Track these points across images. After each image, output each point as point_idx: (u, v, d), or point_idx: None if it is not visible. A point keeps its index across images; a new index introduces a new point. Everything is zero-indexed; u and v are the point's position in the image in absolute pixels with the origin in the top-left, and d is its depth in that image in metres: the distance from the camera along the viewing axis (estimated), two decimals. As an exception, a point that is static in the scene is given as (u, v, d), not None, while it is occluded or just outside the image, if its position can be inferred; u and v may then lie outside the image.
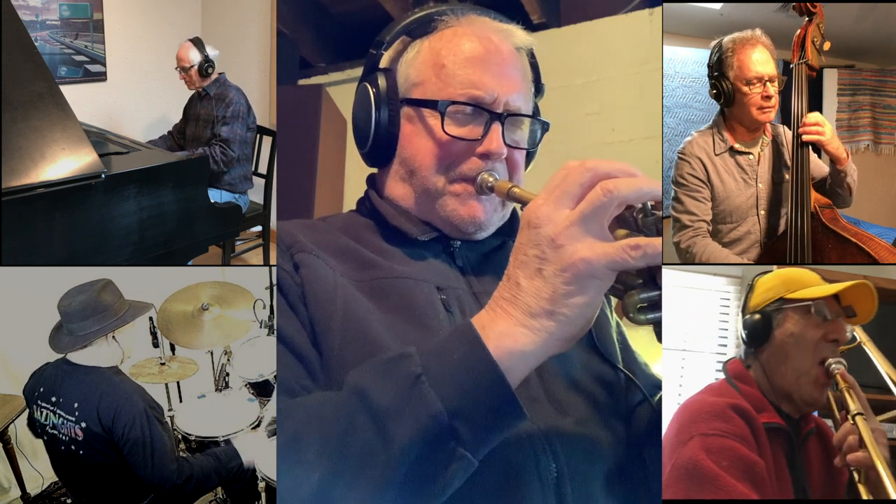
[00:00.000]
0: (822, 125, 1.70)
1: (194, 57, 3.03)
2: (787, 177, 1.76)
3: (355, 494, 0.60)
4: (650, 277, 0.60)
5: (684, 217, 1.81)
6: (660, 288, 0.60)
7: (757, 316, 1.30)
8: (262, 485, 1.80)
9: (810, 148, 1.70)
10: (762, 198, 1.79)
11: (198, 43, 3.04)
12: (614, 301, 0.99)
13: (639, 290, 0.60)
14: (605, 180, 0.58)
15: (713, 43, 1.80)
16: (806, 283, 1.30)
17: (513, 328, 0.59)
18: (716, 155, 1.79)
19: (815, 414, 1.35)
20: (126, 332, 1.76)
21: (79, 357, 1.71)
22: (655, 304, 0.60)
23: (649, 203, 0.59)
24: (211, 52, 3.07)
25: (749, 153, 1.80)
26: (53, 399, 1.68)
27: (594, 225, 0.58)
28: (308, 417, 0.65)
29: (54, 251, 2.09)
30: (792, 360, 1.26)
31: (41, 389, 1.72)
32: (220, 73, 3.13)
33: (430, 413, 0.58)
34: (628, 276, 0.60)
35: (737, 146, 1.79)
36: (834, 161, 1.73)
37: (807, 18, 1.74)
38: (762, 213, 1.79)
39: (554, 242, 0.58)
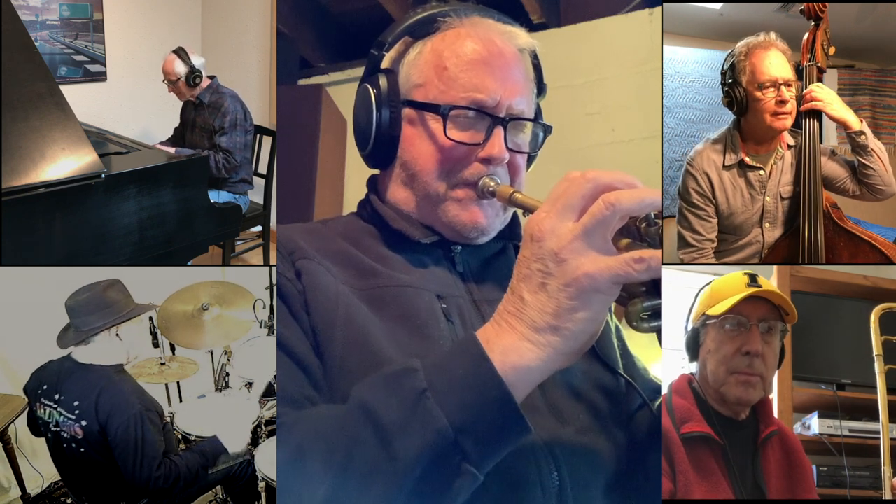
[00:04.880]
0: (817, 89, 1.66)
1: (180, 69, 3.01)
2: (798, 190, 1.71)
3: None
4: (653, 285, 0.60)
5: (689, 236, 1.78)
6: (661, 296, 0.60)
7: (689, 333, 1.39)
8: (261, 485, 1.80)
9: (818, 122, 1.67)
10: (768, 210, 1.74)
11: (181, 54, 3.01)
12: (613, 304, 0.99)
13: (642, 299, 0.60)
14: (607, 193, 0.58)
15: (728, 51, 1.75)
16: (726, 294, 1.33)
17: (518, 343, 0.59)
18: (724, 168, 1.74)
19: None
20: (131, 330, 1.77)
21: (82, 354, 1.72)
22: (658, 313, 0.60)
23: (652, 213, 0.59)
24: (196, 60, 3.04)
25: (760, 168, 1.73)
26: (56, 397, 1.69)
27: (597, 238, 0.57)
28: (312, 431, 0.65)
29: (54, 251, 2.09)
30: (711, 373, 1.33)
31: (44, 387, 1.72)
32: (211, 78, 3.11)
33: (435, 429, 0.58)
34: (632, 285, 0.60)
35: (748, 160, 1.73)
36: (844, 126, 1.67)
37: (813, 23, 1.72)
38: (767, 226, 1.75)
39: (557, 256, 0.58)
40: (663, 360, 1.74)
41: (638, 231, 0.60)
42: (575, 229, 0.58)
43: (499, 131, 0.84)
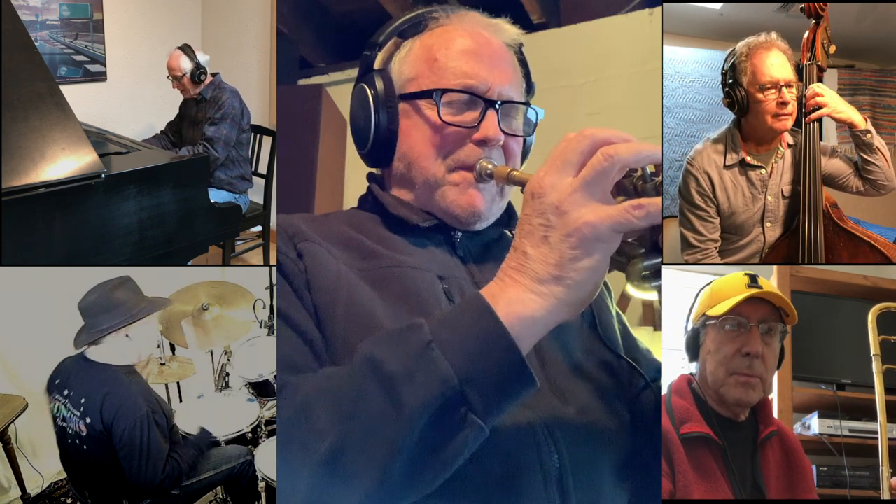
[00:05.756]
0: (822, 94, 1.66)
1: (185, 65, 3.02)
2: (799, 189, 1.71)
3: (365, 461, 0.60)
4: (652, 245, 0.61)
5: (691, 237, 1.78)
6: (661, 254, 0.61)
7: (689, 333, 1.38)
8: (262, 485, 1.81)
9: (818, 121, 1.67)
10: (770, 210, 1.74)
11: (187, 50, 3.03)
12: (615, 294, 1.00)
13: (641, 258, 0.61)
14: (606, 146, 0.59)
15: (728, 50, 1.75)
16: (727, 294, 1.32)
17: (522, 295, 0.60)
18: (725, 167, 1.74)
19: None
20: (142, 330, 1.79)
21: (94, 353, 1.74)
22: (658, 272, 0.61)
23: (648, 169, 0.60)
24: (202, 57, 3.05)
25: (761, 167, 1.73)
26: (65, 392, 1.71)
27: (597, 190, 0.58)
28: (318, 387, 0.66)
29: (54, 251, 2.09)
30: (710, 373, 1.32)
31: (57, 381, 1.75)
32: (214, 75, 3.12)
33: (440, 378, 0.58)
34: (630, 247, 0.61)
35: (749, 159, 1.73)
36: (850, 126, 1.66)
37: (814, 21, 1.72)
38: (768, 225, 1.75)
39: (558, 209, 0.59)
40: (663, 360, 1.74)
41: (634, 188, 0.61)
42: (575, 182, 0.59)
43: (492, 114, 0.86)
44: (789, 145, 1.75)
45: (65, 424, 1.71)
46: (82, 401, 1.67)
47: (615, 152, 0.58)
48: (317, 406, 0.63)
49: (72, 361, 1.78)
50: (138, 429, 1.62)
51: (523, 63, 0.95)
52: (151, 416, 1.65)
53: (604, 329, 0.87)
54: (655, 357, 0.93)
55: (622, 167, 0.59)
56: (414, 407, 0.59)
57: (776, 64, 1.67)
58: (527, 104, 0.92)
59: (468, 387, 0.58)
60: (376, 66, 0.93)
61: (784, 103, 1.66)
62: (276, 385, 2.10)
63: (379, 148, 0.90)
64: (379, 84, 0.90)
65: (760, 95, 1.67)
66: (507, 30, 0.92)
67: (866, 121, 1.67)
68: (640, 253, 0.61)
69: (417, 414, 0.59)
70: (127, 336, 1.76)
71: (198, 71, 3.03)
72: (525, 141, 0.94)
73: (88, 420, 1.65)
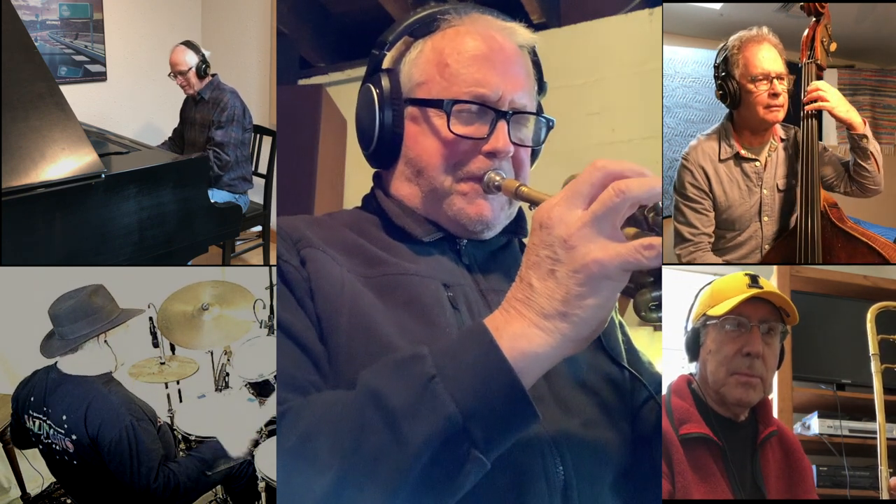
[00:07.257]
0: (825, 90, 1.66)
1: (191, 59, 3.02)
2: (794, 182, 1.72)
3: (367, 495, 0.60)
4: (659, 276, 0.61)
5: (685, 230, 1.78)
6: (661, 287, 0.61)
7: (689, 333, 1.38)
8: (262, 485, 1.80)
9: (817, 122, 1.68)
10: (766, 204, 1.75)
11: (191, 45, 3.03)
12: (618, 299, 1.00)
13: (650, 289, 0.60)
14: (618, 181, 0.58)
15: (720, 45, 1.76)
16: (727, 294, 1.32)
17: (526, 329, 0.59)
18: (720, 161, 1.75)
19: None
20: (119, 336, 1.75)
21: (69, 365, 1.68)
22: (660, 304, 0.61)
23: (659, 202, 0.59)
24: (205, 52, 3.06)
25: (756, 160, 1.75)
26: (44, 409, 1.66)
27: (606, 225, 0.57)
28: (319, 416, 0.65)
29: (54, 251, 2.09)
30: (711, 373, 1.32)
31: (31, 399, 1.69)
32: (212, 76, 3.12)
33: (444, 414, 0.58)
34: (640, 275, 0.61)
35: (743, 152, 1.74)
36: (849, 128, 1.67)
37: (814, 19, 1.73)
38: (765, 219, 1.76)
39: (566, 243, 0.58)
40: (663, 360, 1.74)
41: (645, 220, 0.60)
42: (584, 216, 0.58)
43: (502, 125, 0.84)
44: (782, 139, 1.77)
45: (50, 441, 1.66)
46: (64, 418, 1.62)
47: (627, 188, 0.57)
48: (318, 438, 0.63)
49: (43, 376, 1.71)
50: (125, 440, 1.58)
51: (537, 65, 0.94)
52: (137, 424, 1.61)
53: (607, 338, 0.87)
54: (657, 371, 0.93)
55: (633, 203, 0.58)
56: (416, 443, 0.58)
57: (768, 57, 1.68)
58: (538, 114, 0.90)
59: (471, 423, 0.58)
60: (385, 65, 0.91)
61: (775, 94, 1.68)
62: (276, 390, 2.10)
63: (383, 149, 0.89)
64: (386, 84, 0.88)
65: (752, 87, 1.69)
66: (521, 33, 0.90)
67: (865, 124, 1.67)
68: (650, 281, 0.60)
69: (420, 450, 0.58)
70: (105, 342, 1.71)
71: (203, 65, 3.02)
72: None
73: (74, 437, 1.61)
